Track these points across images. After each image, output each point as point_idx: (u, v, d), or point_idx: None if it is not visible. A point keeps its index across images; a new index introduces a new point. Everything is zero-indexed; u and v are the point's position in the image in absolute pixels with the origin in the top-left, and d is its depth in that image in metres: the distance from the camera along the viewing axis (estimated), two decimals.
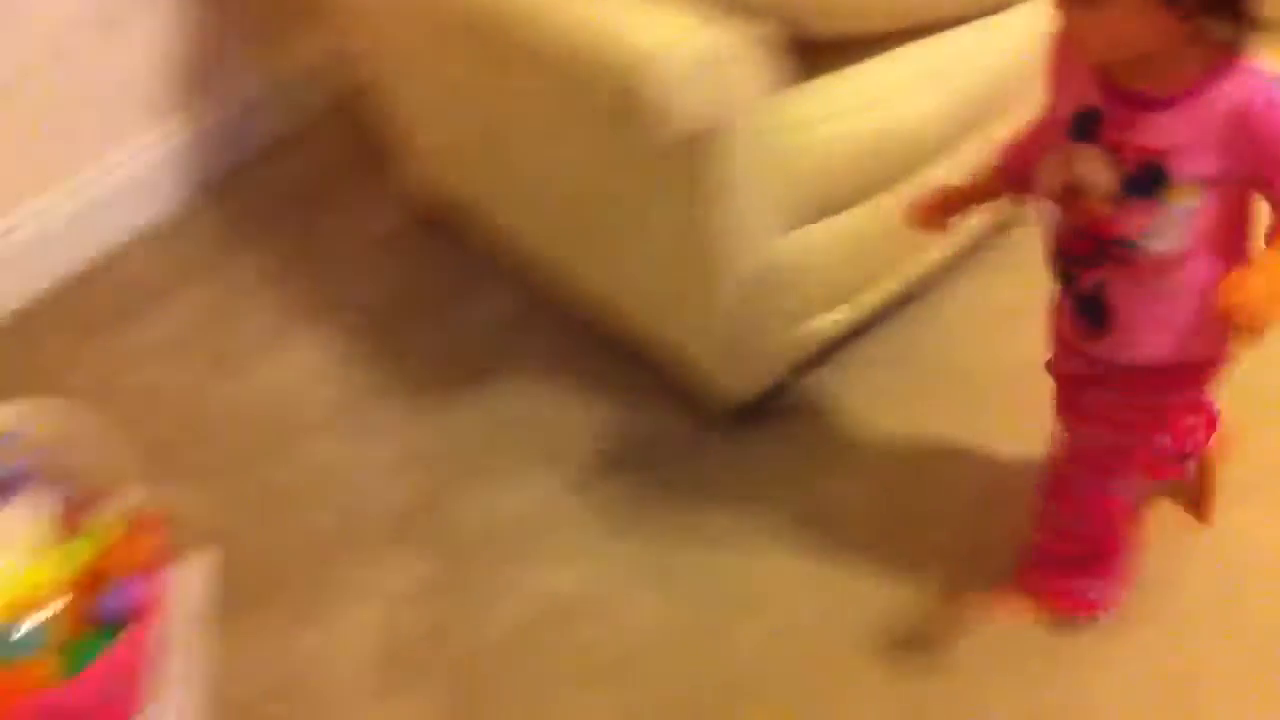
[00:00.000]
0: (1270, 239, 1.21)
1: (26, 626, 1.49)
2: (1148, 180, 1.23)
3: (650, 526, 1.81)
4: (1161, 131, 1.21)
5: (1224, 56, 1.17)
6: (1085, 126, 1.26)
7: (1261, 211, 1.23)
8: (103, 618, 1.53)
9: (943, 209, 1.48)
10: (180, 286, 2.24)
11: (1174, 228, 1.24)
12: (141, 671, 1.53)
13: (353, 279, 2.24)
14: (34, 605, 1.50)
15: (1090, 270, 1.33)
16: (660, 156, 1.60)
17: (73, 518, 1.58)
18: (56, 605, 1.51)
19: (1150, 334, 1.33)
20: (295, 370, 2.08)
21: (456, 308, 2.17)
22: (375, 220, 2.35)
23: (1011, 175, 1.44)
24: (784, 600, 1.70)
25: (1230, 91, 1.17)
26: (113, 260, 2.30)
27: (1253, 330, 1.12)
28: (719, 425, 1.92)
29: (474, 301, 2.17)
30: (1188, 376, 1.39)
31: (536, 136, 1.86)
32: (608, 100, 1.53)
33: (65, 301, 2.24)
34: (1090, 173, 1.26)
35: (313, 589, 1.77)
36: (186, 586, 1.57)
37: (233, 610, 1.71)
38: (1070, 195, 1.29)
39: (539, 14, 1.59)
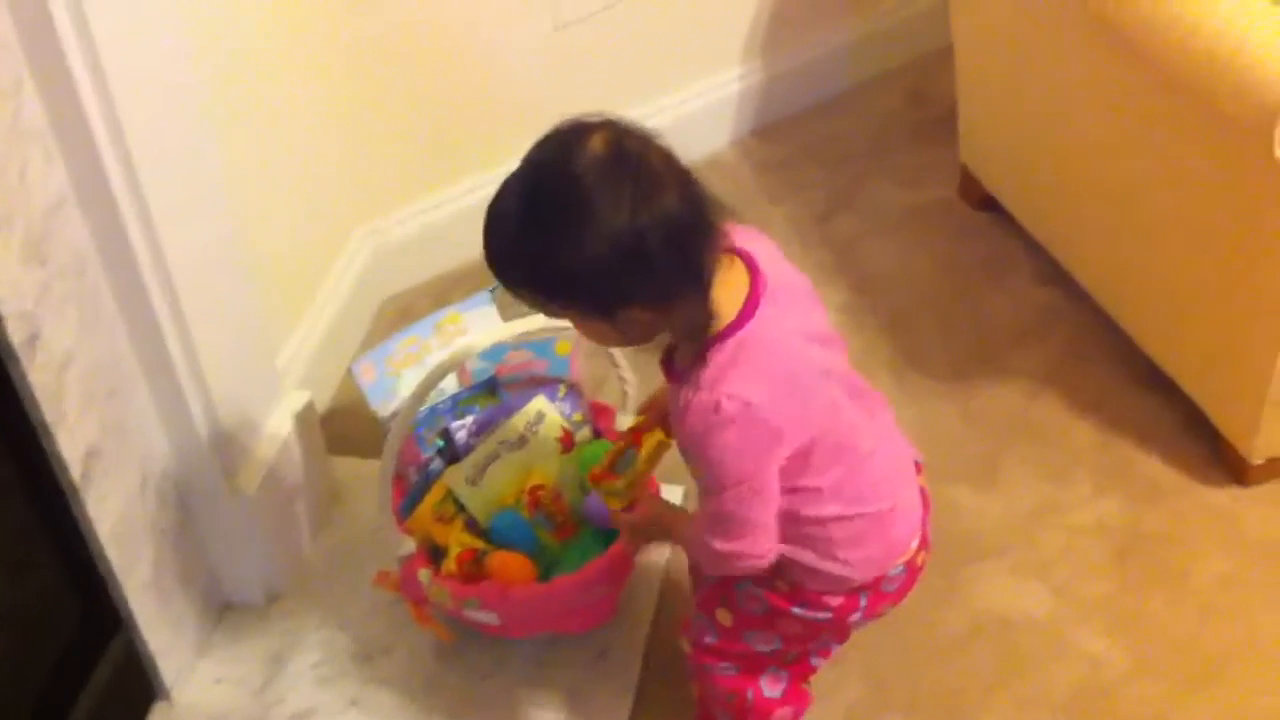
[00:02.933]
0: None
1: (520, 519, 1.61)
2: None
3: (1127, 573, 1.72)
4: (672, 399, 1.26)
5: (700, 354, 1.19)
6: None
7: None
8: (590, 520, 1.63)
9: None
10: None
11: None
12: (618, 583, 1.61)
13: (878, 243, 2.23)
14: (532, 501, 1.62)
15: None
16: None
17: (570, 435, 1.68)
18: (549, 506, 1.62)
19: None
20: None
21: (976, 293, 2.13)
22: (920, 190, 2.33)
23: None
24: None
25: (686, 384, 1.20)
26: None
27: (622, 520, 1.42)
28: (1232, 480, 1.81)
29: (997, 291, 2.12)
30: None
31: (1114, 147, 1.80)
32: (1241, 119, 1.47)
33: None
34: None
35: None
36: None
37: None
38: None
39: (1180, 19, 1.54)
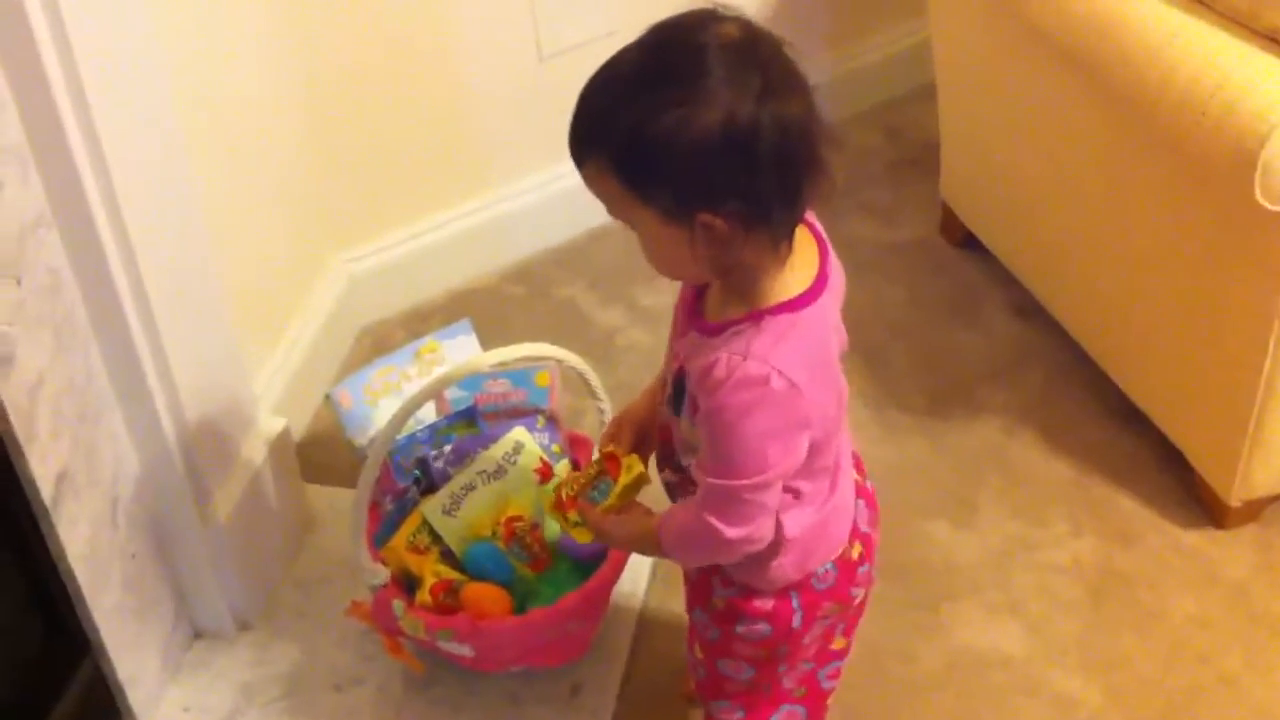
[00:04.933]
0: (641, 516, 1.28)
1: (496, 550, 1.60)
2: (676, 394, 1.21)
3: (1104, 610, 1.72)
4: (681, 349, 1.19)
5: (753, 316, 1.11)
6: (683, 317, 1.22)
7: None
8: (566, 553, 1.62)
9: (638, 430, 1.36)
10: None
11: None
12: (594, 617, 1.60)
13: (856, 278, 2.19)
14: (509, 533, 1.61)
15: (666, 468, 1.31)
16: (1256, 235, 1.52)
17: (549, 466, 1.67)
18: (525, 537, 1.61)
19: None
20: None
21: (953, 329, 2.14)
22: (898, 226, 2.34)
23: None
24: None
25: (725, 343, 1.12)
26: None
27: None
28: (1209, 521, 1.81)
29: (974, 327, 2.13)
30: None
31: (1091, 184, 1.81)
32: (1219, 158, 1.48)
33: (591, 250, 2.33)
34: (667, 366, 1.26)
35: None
36: None
37: None
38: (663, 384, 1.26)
39: (1157, 60, 1.55)
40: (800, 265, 1.14)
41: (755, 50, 1.05)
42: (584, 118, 1.09)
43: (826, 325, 1.17)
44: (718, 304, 1.17)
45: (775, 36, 1.08)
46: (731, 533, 1.17)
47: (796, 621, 1.29)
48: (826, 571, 1.28)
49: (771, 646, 1.32)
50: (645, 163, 1.06)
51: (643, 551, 1.37)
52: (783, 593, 1.27)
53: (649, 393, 1.37)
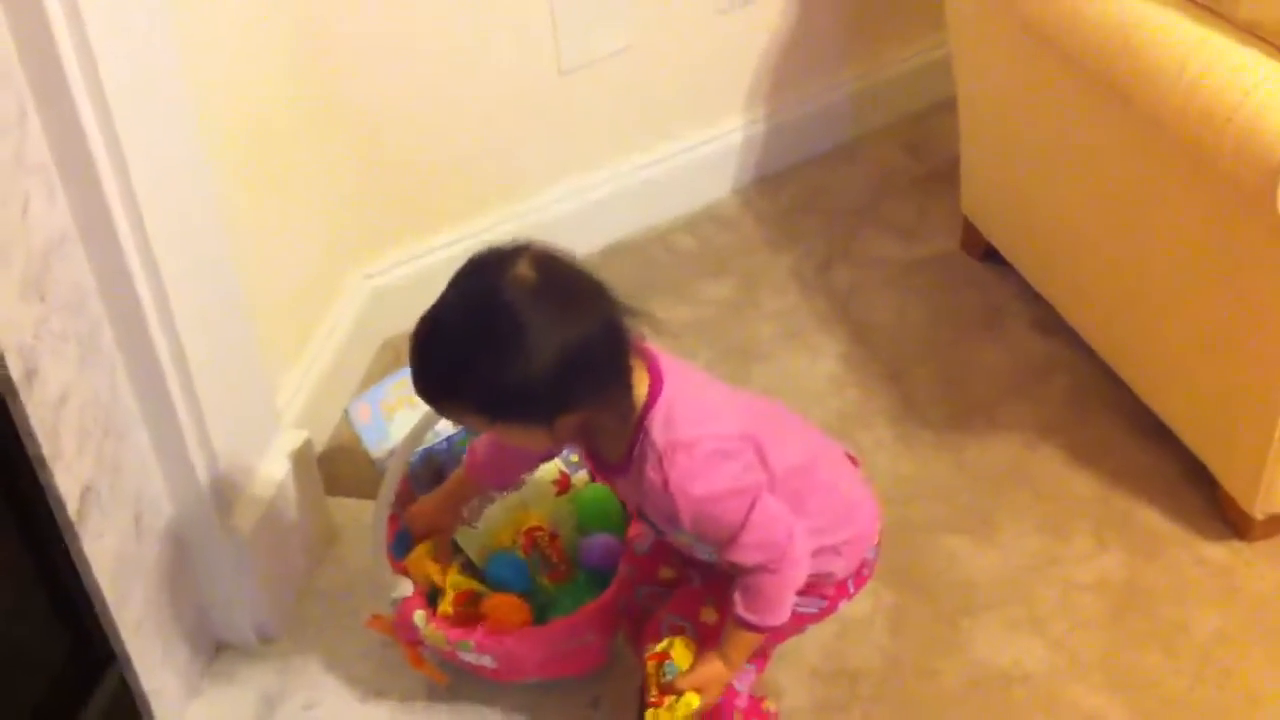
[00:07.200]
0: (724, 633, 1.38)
1: (517, 560, 1.60)
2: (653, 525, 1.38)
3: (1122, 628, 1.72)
4: (626, 491, 1.37)
5: (635, 432, 1.28)
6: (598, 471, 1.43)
7: None
8: (583, 565, 1.63)
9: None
10: (712, 274, 2.31)
11: (707, 547, 1.35)
12: (610, 626, 1.60)
13: (878, 293, 2.24)
14: (528, 543, 1.62)
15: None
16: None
17: (567, 476, 1.68)
18: (545, 547, 1.62)
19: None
20: (793, 376, 2.10)
21: (975, 344, 2.13)
22: (919, 242, 2.34)
23: (487, 477, 1.55)
24: None
25: (643, 461, 1.27)
26: (661, 233, 2.40)
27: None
28: (1234, 534, 1.80)
29: (996, 342, 2.13)
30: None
31: (1113, 199, 1.81)
32: (1243, 172, 1.48)
33: (608, 265, 2.35)
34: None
35: None
36: None
37: None
38: None
39: (1180, 76, 1.55)
40: (638, 370, 1.30)
41: (553, 283, 1.21)
42: (432, 381, 1.24)
43: (690, 371, 1.35)
44: (609, 444, 1.32)
45: (560, 254, 1.24)
46: (792, 551, 1.31)
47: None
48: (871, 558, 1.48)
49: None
50: (504, 408, 1.22)
51: (749, 654, 1.43)
52: (841, 582, 1.46)
53: (443, 495, 1.56)
